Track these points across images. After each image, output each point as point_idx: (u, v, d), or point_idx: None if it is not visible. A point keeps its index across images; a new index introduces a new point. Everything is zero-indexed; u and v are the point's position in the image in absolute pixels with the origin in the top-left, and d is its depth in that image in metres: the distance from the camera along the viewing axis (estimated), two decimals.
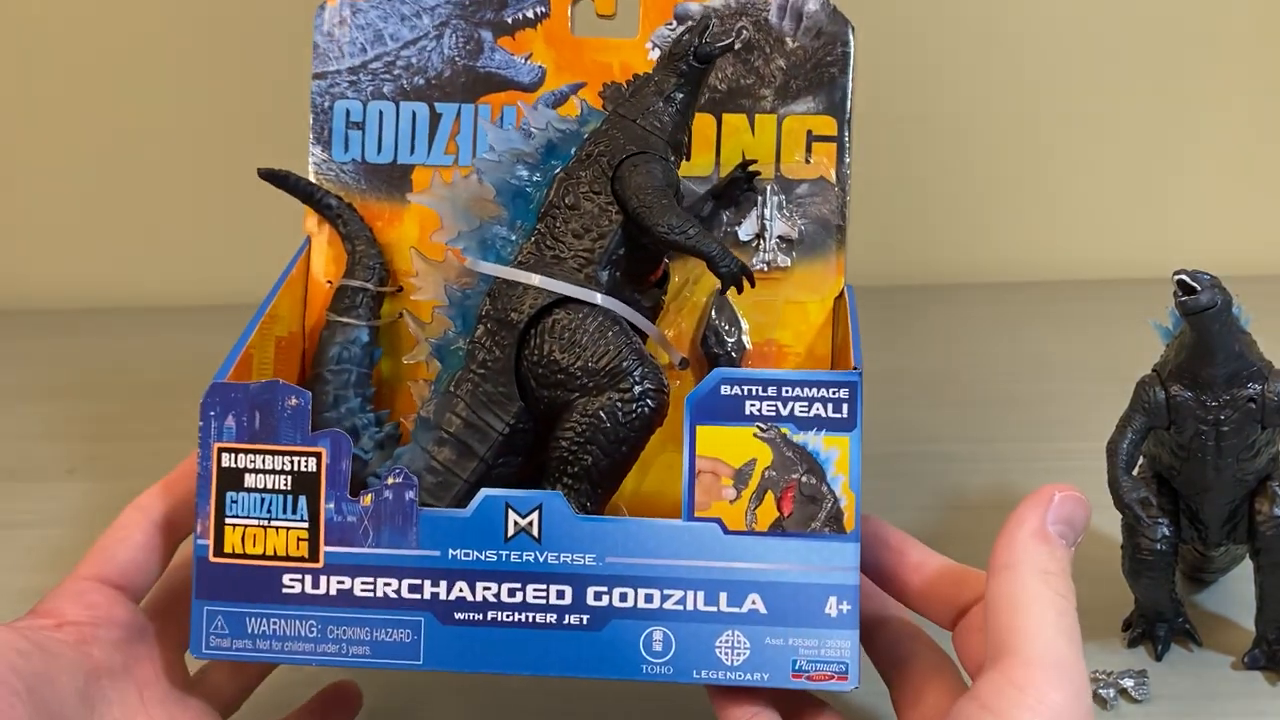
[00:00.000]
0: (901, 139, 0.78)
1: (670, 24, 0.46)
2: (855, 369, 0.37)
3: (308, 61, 0.47)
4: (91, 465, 0.62)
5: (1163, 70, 0.78)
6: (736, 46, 0.40)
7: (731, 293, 0.39)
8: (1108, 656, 0.45)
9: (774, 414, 0.36)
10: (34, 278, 0.83)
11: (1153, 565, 0.43)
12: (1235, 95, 0.78)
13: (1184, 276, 0.40)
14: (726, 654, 0.36)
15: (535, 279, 0.39)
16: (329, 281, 0.45)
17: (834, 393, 0.36)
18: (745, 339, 0.45)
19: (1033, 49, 0.78)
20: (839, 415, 0.36)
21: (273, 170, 0.45)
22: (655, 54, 0.46)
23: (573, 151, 0.41)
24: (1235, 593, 0.48)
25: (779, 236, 0.45)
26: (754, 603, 0.36)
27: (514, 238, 0.41)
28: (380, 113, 0.46)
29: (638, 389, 0.38)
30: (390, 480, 0.36)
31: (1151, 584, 0.44)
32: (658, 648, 0.36)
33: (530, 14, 0.46)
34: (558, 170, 0.41)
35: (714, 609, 0.36)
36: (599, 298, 0.39)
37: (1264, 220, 0.79)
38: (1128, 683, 0.43)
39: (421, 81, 0.46)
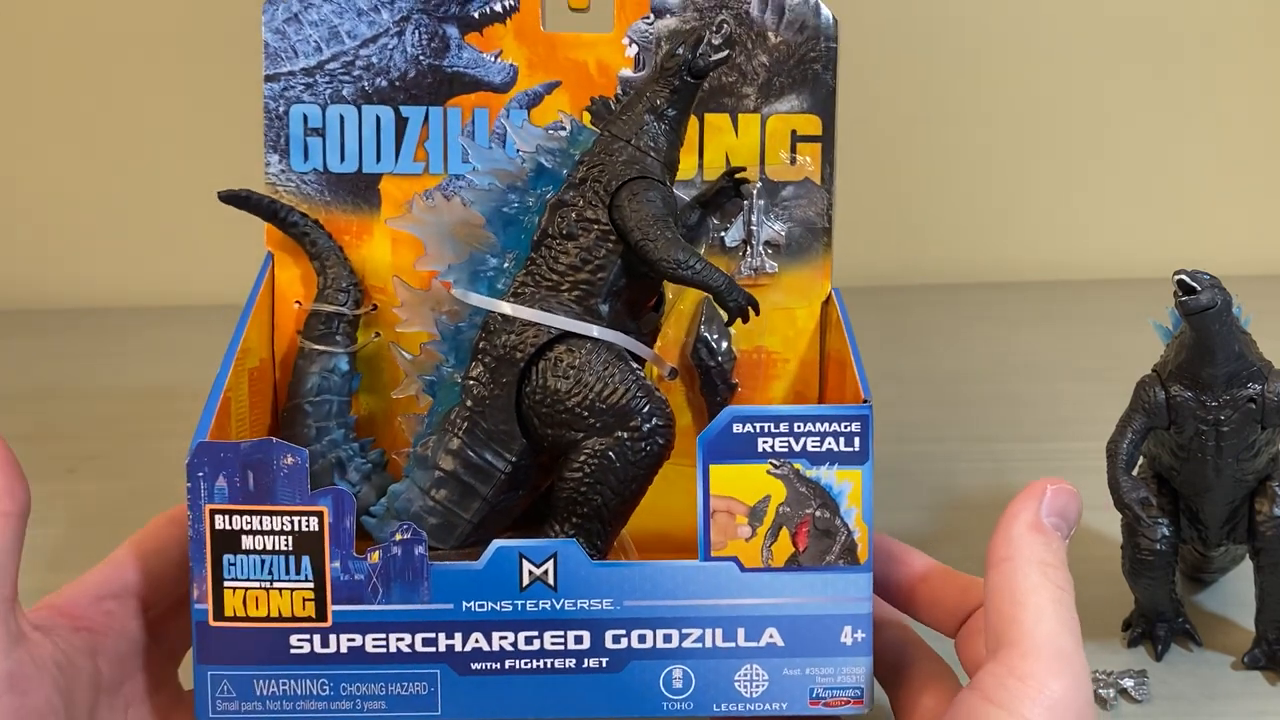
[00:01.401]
0: (903, 139, 0.77)
1: (647, 17, 0.43)
2: (865, 401, 0.37)
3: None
4: (91, 465, 0.61)
5: (1163, 70, 0.77)
6: (730, 59, 0.38)
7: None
8: (1108, 656, 0.45)
9: (787, 450, 0.36)
10: (34, 278, 0.81)
11: (1153, 565, 0.43)
12: (1236, 95, 0.77)
13: (1184, 276, 0.39)
14: (745, 686, 0.36)
15: (534, 314, 0.37)
16: (297, 302, 0.43)
17: (846, 427, 0.36)
18: (733, 347, 0.44)
19: (1033, 49, 0.77)
20: (851, 449, 0.36)
21: (233, 191, 0.42)
22: (632, 50, 0.43)
23: (564, 174, 0.39)
24: (1235, 593, 0.48)
25: (765, 242, 0.44)
26: (771, 636, 0.36)
27: (506, 266, 0.39)
28: (341, 117, 0.43)
29: (646, 426, 0.37)
30: (398, 536, 0.35)
31: (1151, 584, 0.44)
32: (678, 685, 0.36)
33: (499, 8, 0.43)
34: (549, 195, 0.39)
35: (732, 645, 0.36)
36: (597, 330, 0.38)
37: (1264, 220, 0.80)
38: (1128, 683, 0.43)
39: (384, 83, 0.43)
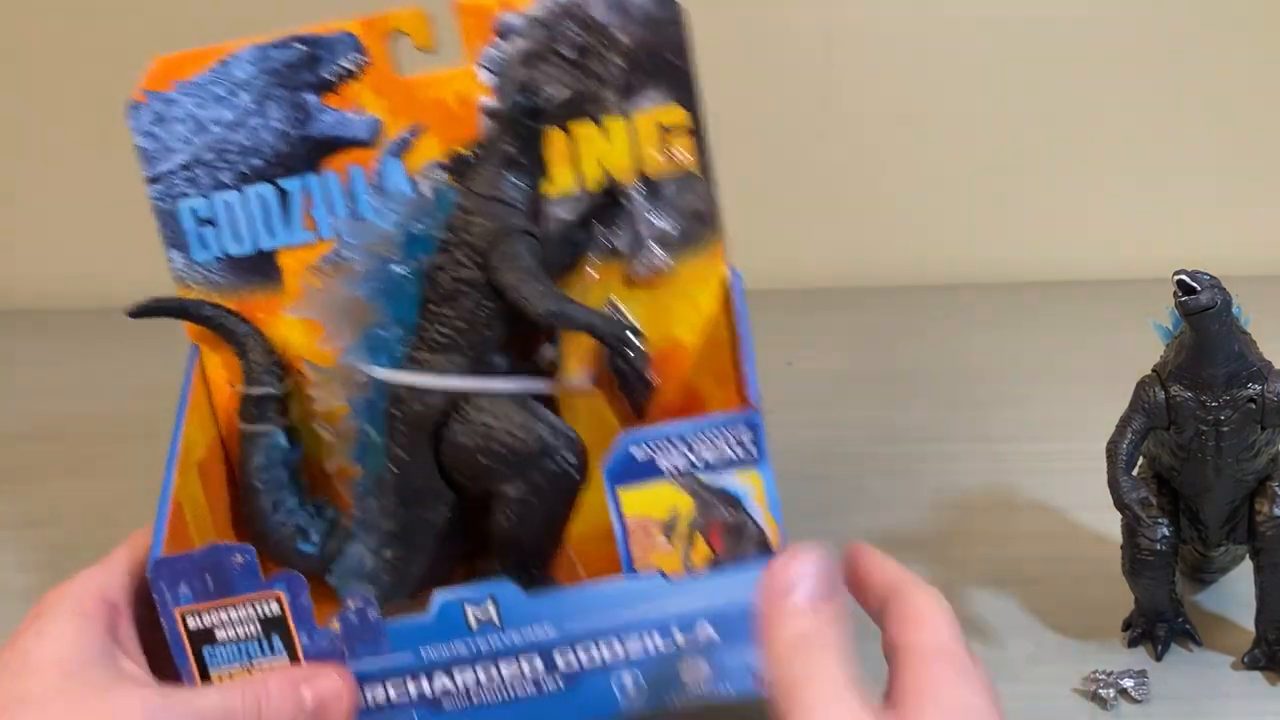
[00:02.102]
0: (902, 138, 0.76)
1: (495, 42, 0.44)
2: (754, 407, 0.38)
3: None
4: (91, 465, 0.62)
5: (1163, 70, 0.75)
6: (566, 94, 0.39)
7: (625, 300, 0.41)
8: (1108, 656, 0.45)
9: (686, 464, 0.38)
10: (34, 278, 0.82)
11: (1153, 565, 0.43)
12: (1236, 95, 0.75)
13: (1184, 276, 0.39)
14: (691, 677, 0.40)
15: (434, 379, 0.40)
16: (231, 384, 0.46)
17: (737, 433, 0.38)
18: (644, 345, 0.46)
19: (1035, 49, 0.75)
20: (746, 454, 0.38)
21: (140, 305, 0.44)
22: (487, 77, 0.44)
23: (434, 236, 0.40)
24: (1235, 593, 0.48)
25: (656, 239, 0.45)
26: (706, 632, 0.39)
27: (400, 332, 0.41)
28: (227, 203, 0.45)
29: (558, 465, 0.39)
30: (352, 604, 0.39)
31: (1151, 584, 0.44)
32: (629, 688, 0.40)
33: (350, 65, 0.44)
34: (424, 261, 0.40)
35: (672, 645, 0.39)
36: (495, 383, 0.40)
37: (1264, 220, 0.77)
38: (1128, 683, 0.43)
39: (260, 162, 0.44)
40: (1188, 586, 0.49)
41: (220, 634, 0.39)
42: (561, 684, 0.39)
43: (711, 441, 0.38)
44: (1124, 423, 0.43)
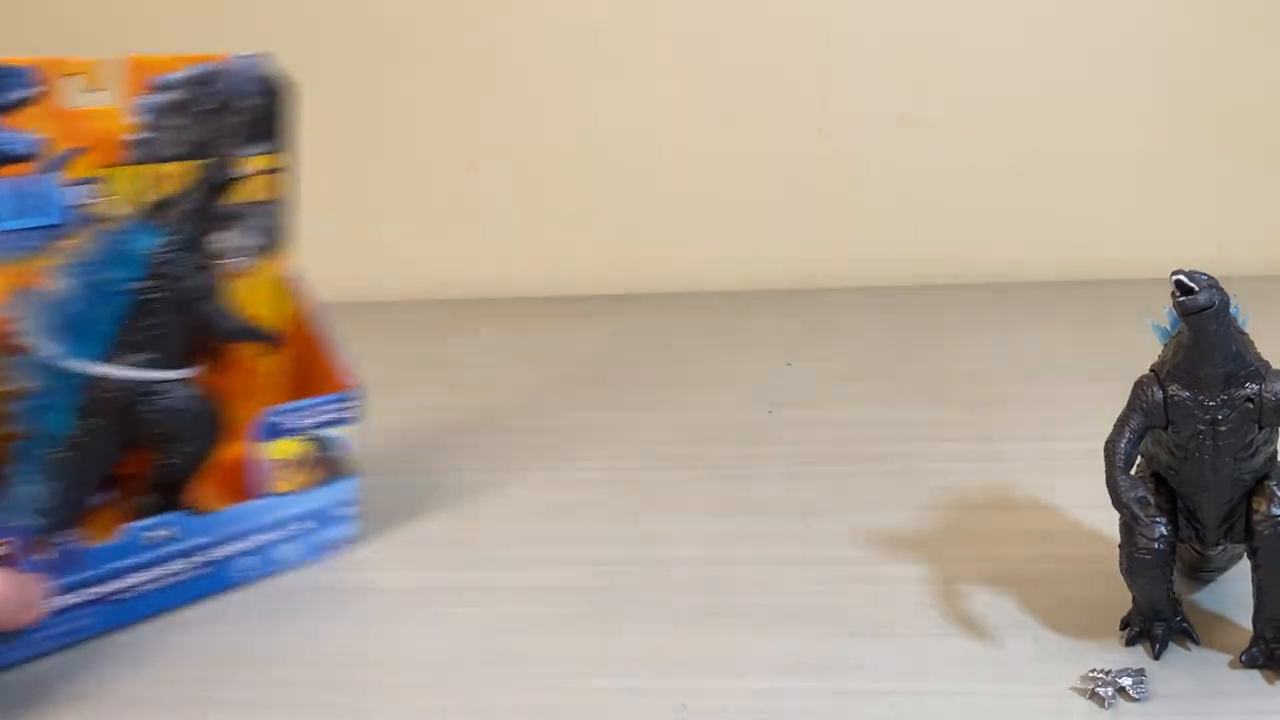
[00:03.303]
0: (901, 139, 0.76)
1: (147, 93, 0.55)
2: (349, 386, 0.60)
3: None
4: None
5: (1162, 70, 0.76)
6: (243, 173, 0.54)
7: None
8: (1106, 655, 0.45)
9: (306, 424, 0.59)
10: None
11: (1150, 564, 0.43)
12: (1234, 95, 0.77)
13: (1182, 277, 0.39)
14: (290, 555, 0.61)
15: (131, 371, 0.53)
16: None
17: (337, 405, 0.59)
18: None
19: (1035, 50, 0.75)
20: (341, 417, 0.60)
21: None
22: (137, 117, 0.55)
23: (141, 262, 0.53)
24: (1233, 591, 0.48)
25: (243, 247, 0.61)
26: (304, 525, 0.60)
27: (101, 333, 0.52)
28: None
29: (212, 428, 0.56)
30: (58, 542, 0.51)
31: (1149, 583, 0.43)
32: (248, 566, 0.59)
33: (27, 95, 0.51)
34: (131, 284, 0.52)
35: (280, 535, 0.60)
36: (172, 374, 0.55)
37: (1263, 220, 0.80)
38: (1126, 681, 0.42)
39: None
40: (1185, 585, 0.49)
41: None
42: (201, 569, 0.57)
43: (322, 411, 0.59)
44: (1122, 422, 0.42)
